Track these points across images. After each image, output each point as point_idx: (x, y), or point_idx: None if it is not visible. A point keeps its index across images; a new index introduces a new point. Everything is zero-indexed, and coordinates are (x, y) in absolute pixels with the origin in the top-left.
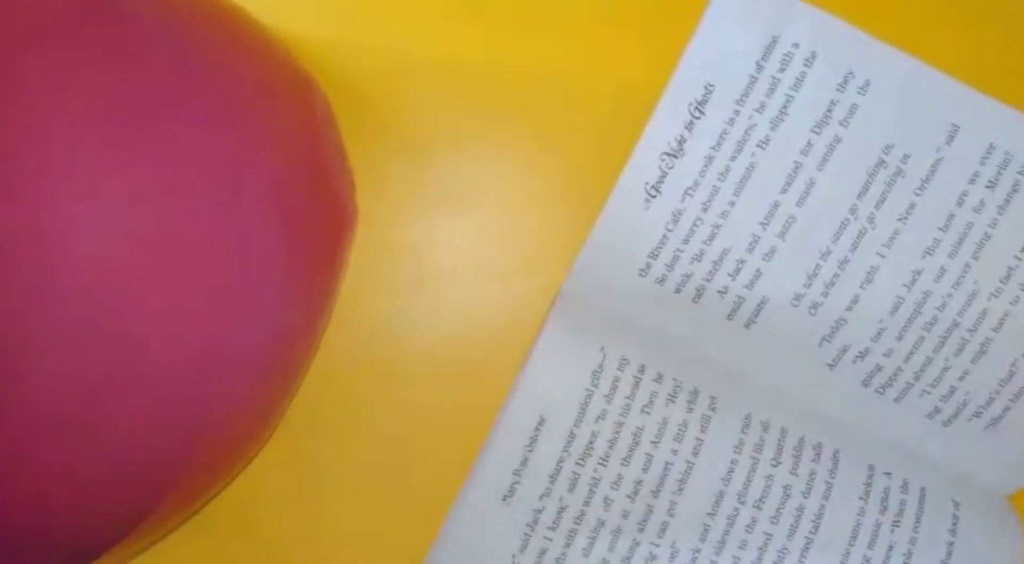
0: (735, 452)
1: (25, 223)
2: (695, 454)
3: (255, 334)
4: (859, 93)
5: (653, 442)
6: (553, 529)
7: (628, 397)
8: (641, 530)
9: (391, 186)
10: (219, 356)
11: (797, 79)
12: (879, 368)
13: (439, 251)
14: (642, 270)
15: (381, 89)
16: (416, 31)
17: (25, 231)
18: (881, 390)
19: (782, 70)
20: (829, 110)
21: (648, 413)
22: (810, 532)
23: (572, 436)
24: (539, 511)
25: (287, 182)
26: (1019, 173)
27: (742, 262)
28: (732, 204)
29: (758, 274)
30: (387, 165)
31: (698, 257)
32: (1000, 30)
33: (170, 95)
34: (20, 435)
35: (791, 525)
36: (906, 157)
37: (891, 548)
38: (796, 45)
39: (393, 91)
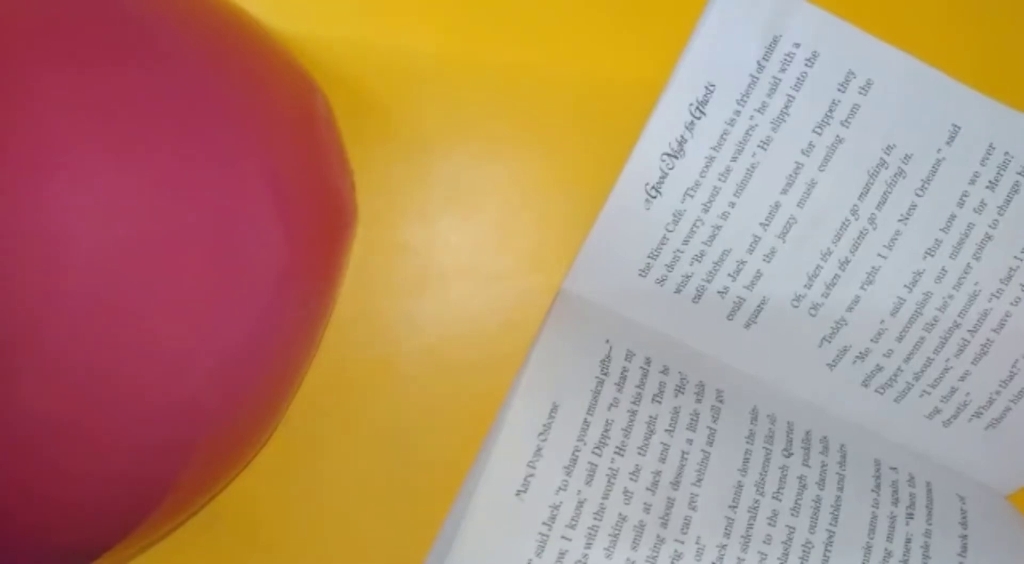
0: (748, 442)
1: (24, 221)
2: (709, 443)
3: (255, 333)
4: (860, 93)
5: (667, 430)
6: (572, 527)
7: (638, 386)
8: (664, 525)
9: (391, 186)
10: (219, 355)
11: (798, 79)
12: (879, 368)
13: (439, 251)
14: (642, 270)
15: (381, 89)
16: (416, 31)
17: (24, 229)
18: (881, 390)
19: (783, 70)
20: (830, 110)
21: (659, 402)
22: (830, 524)
23: (587, 424)
24: (556, 507)
25: (287, 182)
26: (1019, 174)
27: (742, 263)
28: (733, 205)
29: (758, 275)
30: (387, 165)
31: (698, 258)
32: (1001, 30)
33: (169, 94)
34: (19, 435)
35: (811, 517)
36: (907, 157)
37: (909, 541)
38: (797, 45)
39: (393, 91)
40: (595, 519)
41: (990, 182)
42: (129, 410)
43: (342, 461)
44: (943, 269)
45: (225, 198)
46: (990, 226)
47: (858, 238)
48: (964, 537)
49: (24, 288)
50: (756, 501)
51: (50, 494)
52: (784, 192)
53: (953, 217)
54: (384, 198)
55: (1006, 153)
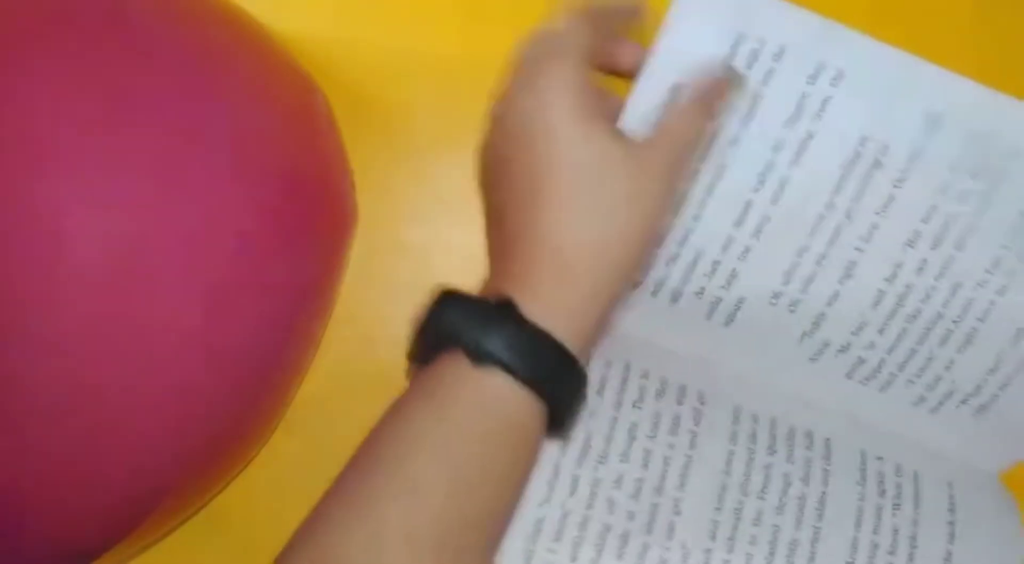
0: (731, 443)
1: (24, 223)
2: (692, 446)
3: (254, 332)
4: (831, 85)
5: (649, 436)
6: (557, 540)
7: (618, 393)
8: (649, 532)
9: (391, 186)
10: (218, 355)
11: (766, 75)
12: (862, 361)
13: (438, 251)
14: None
15: (381, 89)
16: (417, 31)
17: (23, 231)
18: (865, 381)
19: (750, 67)
20: (800, 104)
21: (640, 408)
22: (816, 521)
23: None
24: (540, 521)
25: (287, 182)
26: (1001, 159)
27: (717, 263)
28: (703, 205)
29: (734, 274)
30: (387, 165)
31: (672, 260)
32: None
33: (170, 95)
34: (21, 436)
35: (796, 515)
36: (884, 148)
37: (896, 532)
38: (763, 41)
39: (393, 91)
40: (580, 530)
41: (971, 170)
42: (129, 411)
43: (342, 461)
44: (924, 260)
45: (224, 197)
46: (973, 215)
47: (834, 233)
48: (951, 524)
49: (24, 287)
50: (740, 502)
51: (51, 494)
52: (756, 190)
53: (934, 207)
54: (384, 198)
55: (987, 137)
